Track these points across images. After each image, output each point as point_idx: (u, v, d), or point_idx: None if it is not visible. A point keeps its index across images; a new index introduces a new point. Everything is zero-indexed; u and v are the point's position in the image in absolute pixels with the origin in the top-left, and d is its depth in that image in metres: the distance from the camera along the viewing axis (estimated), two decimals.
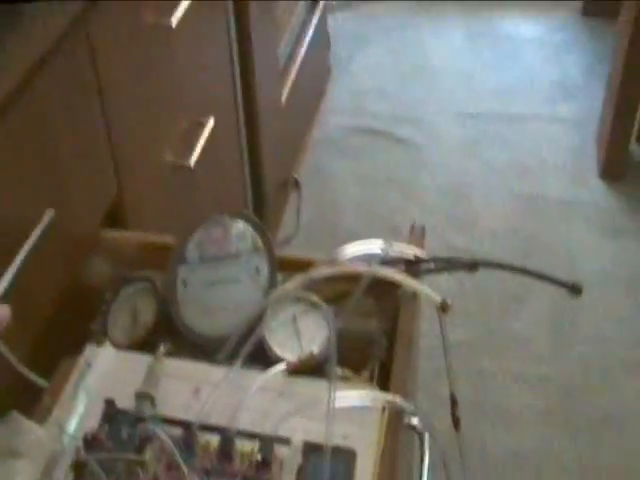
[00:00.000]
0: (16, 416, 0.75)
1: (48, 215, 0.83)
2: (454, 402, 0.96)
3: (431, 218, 2.01)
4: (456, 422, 0.97)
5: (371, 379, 0.86)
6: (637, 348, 1.73)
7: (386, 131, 2.30)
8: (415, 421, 0.89)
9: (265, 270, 0.91)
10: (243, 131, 1.64)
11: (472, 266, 0.93)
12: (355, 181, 2.12)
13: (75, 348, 0.87)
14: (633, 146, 2.17)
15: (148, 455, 0.72)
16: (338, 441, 0.76)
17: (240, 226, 0.92)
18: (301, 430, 0.77)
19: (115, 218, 1.06)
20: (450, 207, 2.07)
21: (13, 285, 0.78)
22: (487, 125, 2.32)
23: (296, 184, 2.07)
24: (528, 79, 2.51)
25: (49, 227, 0.84)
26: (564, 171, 2.16)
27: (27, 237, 0.81)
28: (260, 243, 0.92)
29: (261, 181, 1.78)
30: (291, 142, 2.13)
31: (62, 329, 0.90)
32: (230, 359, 0.84)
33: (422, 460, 0.86)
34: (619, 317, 1.79)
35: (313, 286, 0.91)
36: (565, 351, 1.72)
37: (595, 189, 2.10)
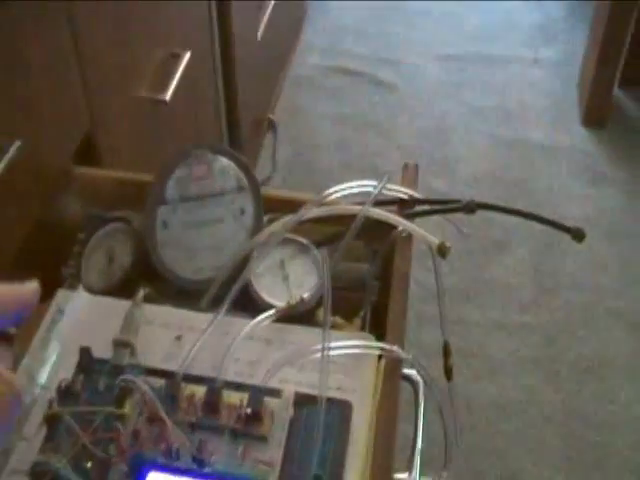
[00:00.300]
0: None
1: (15, 147, 0.76)
2: (447, 351, 0.91)
3: (410, 162, 1.95)
4: (449, 372, 0.92)
5: (363, 327, 0.81)
6: (620, 296, 1.70)
7: (365, 72, 2.23)
8: (410, 370, 0.85)
9: (250, 210, 0.85)
10: (219, 67, 1.57)
11: (470, 208, 0.88)
12: (333, 122, 2.05)
13: (46, 294, 0.80)
14: (616, 92, 2.12)
15: (128, 407, 0.66)
16: (332, 393, 0.71)
17: (224, 163, 0.86)
18: (292, 381, 0.72)
19: (88, 156, 0.99)
20: (430, 151, 2.01)
21: None
22: (468, 67, 2.26)
23: (272, 125, 1.99)
24: (509, 21, 2.44)
25: (16, 160, 0.77)
26: (546, 116, 2.11)
27: None
28: (245, 182, 0.86)
29: (237, 121, 1.71)
30: (267, 81, 2.05)
31: (32, 273, 0.84)
32: (214, 305, 0.78)
33: (417, 411, 0.82)
34: (603, 265, 1.76)
35: (301, 229, 0.85)
36: (548, 299, 1.69)
37: (577, 135, 2.06)
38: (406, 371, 0.85)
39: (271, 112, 2.02)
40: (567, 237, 1.84)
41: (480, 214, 1.89)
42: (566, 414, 1.50)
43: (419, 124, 2.08)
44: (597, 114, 2.08)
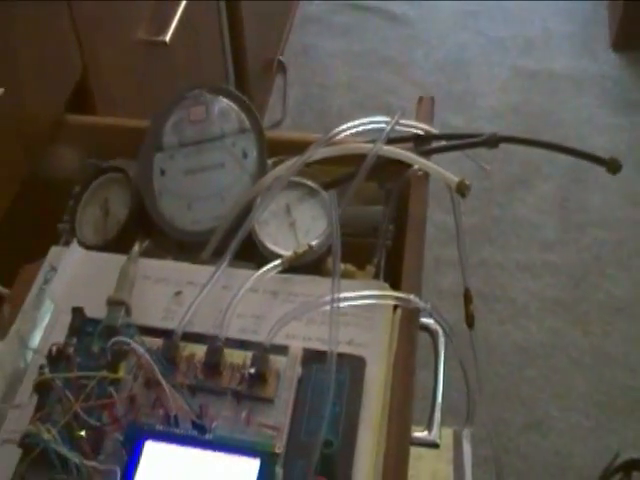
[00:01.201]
0: None
1: None
2: (468, 297, 0.86)
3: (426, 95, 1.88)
4: (470, 319, 0.87)
5: (377, 275, 0.76)
6: None
7: (376, 7, 2.13)
8: (428, 320, 0.80)
9: (253, 153, 0.79)
10: (223, 6, 1.49)
11: (492, 142, 0.81)
12: (345, 61, 1.97)
13: (39, 252, 0.75)
14: None
15: (122, 371, 0.62)
16: (343, 348, 0.66)
17: (223, 104, 0.80)
18: (300, 336, 0.67)
19: (82, 105, 0.93)
20: (447, 85, 1.92)
21: None
22: None
23: (281, 66, 1.92)
24: None
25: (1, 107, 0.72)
26: (571, 43, 2.01)
27: None
28: (247, 123, 0.80)
29: (244, 64, 1.64)
30: (275, 20, 1.97)
31: (25, 230, 0.79)
32: (216, 257, 0.73)
33: (436, 363, 0.77)
34: (634, 199, 1.68)
35: (308, 171, 0.80)
36: (575, 237, 1.62)
37: (606, 61, 1.95)
38: (424, 320, 0.80)
39: (280, 53, 1.94)
40: (594, 172, 1.77)
41: (501, 149, 1.81)
42: (595, 357, 1.44)
43: (435, 58, 1.99)
44: (629, 35, 1.96)
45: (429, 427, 0.71)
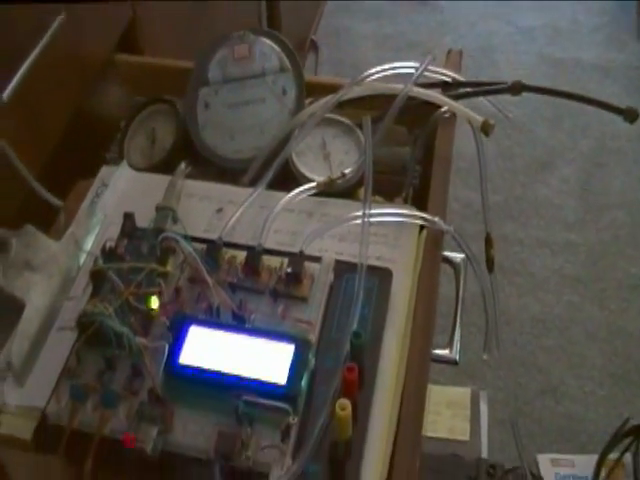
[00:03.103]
0: (30, 229, 0.70)
1: (58, 20, 0.76)
2: (489, 241, 0.90)
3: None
4: (490, 263, 0.91)
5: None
6: None
7: None
8: (450, 254, 0.85)
9: (292, 91, 0.84)
10: None
11: (516, 89, 0.86)
12: (375, 44, 2.02)
13: (91, 173, 0.81)
14: None
15: (170, 266, 0.67)
16: (372, 262, 0.70)
17: (266, 44, 0.85)
18: (333, 251, 0.72)
19: (130, 46, 0.98)
20: (475, 72, 1.96)
21: (24, 90, 0.72)
22: None
23: (314, 46, 1.97)
24: None
25: (59, 36, 0.77)
26: (599, 34, 2.05)
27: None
28: (287, 63, 0.85)
29: None
30: (309, 2, 2.02)
31: (77, 157, 0.85)
32: (254, 184, 0.78)
33: (457, 289, 0.81)
34: None
35: (343, 114, 0.85)
36: (595, 218, 1.66)
37: (634, 52, 1.99)
38: (447, 254, 0.85)
39: (313, 33, 2.00)
40: (616, 157, 1.81)
41: (526, 135, 1.86)
42: (610, 332, 1.48)
43: (463, 44, 2.02)
44: None
45: (450, 346, 0.75)
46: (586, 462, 1.27)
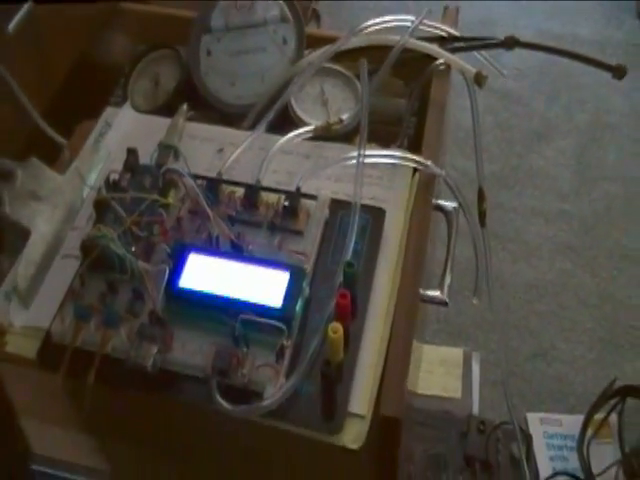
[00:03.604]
0: (35, 161, 0.72)
1: None
2: (482, 195, 0.92)
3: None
4: (482, 217, 0.93)
5: None
6: None
7: None
8: (443, 202, 0.87)
9: (293, 41, 0.87)
10: None
11: (510, 44, 0.89)
12: (376, 13, 2.02)
13: (94, 115, 0.83)
14: None
15: (171, 197, 0.69)
16: (366, 202, 0.73)
17: None
18: (328, 190, 0.74)
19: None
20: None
21: (29, 26, 0.74)
22: None
23: (315, 15, 1.99)
24: None
25: None
26: (598, 9, 2.06)
27: None
28: (288, 14, 0.88)
29: None
30: None
31: (81, 100, 0.87)
32: (254, 128, 0.80)
33: (449, 235, 0.84)
34: None
35: (340, 64, 0.87)
36: (589, 189, 1.69)
37: (631, 29, 2.01)
38: (440, 202, 0.87)
39: (315, 3, 2.02)
40: (610, 131, 1.83)
41: (523, 106, 1.87)
42: (601, 298, 1.51)
43: (462, 17, 2.05)
44: None
45: (441, 287, 0.77)
46: (574, 422, 1.29)
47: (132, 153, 0.73)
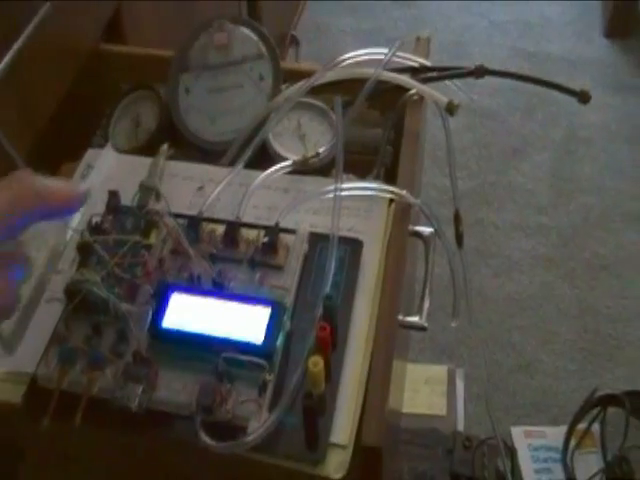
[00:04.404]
0: None
1: (44, 8, 0.80)
2: (458, 218, 0.95)
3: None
4: (459, 238, 0.96)
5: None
6: (637, 200, 1.73)
7: None
8: (420, 228, 0.89)
9: (269, 77, 0.89)
10: None
11: (479, 73, 0.91)
12: (354, 39, 2.07)
13: (76, 158, 0.85)
14: None
15: (153, 238, 0.71)
16: (344, 233, 0.75)
17: (244, 32, 0.90)
18: (307, 223, 0.76)
19: (114, 34, 1.02)
20: (450, 63, 2.02)
21: (12, 74, 0.76)
22: None
23: (294, 41, 2.02)
24: None
25: (46, 23, 0.81)
26: (568, 28, 2.11)
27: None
28: (264, 50, 0.90)
29: None
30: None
31: (63, 142, 0.89)
32: (234, 164, 0.83)
33: (427, 260, 0.86)
34: (620, 170, 1.78)
35: (317, 97, 0.89)
36: (566, 202, 1.72)
37: (600, 47, 2.06)
38: (417, 228, 0.89)
39: (293, 28, 2.05)
40: (585, 145, 1.87)
41: (500, 123, 1.91)
42: (581, 309, 1.54)
43: (440, 38, 2.09)
44: (621, 24, 2.08)
45: (419, 312, 0.80)
46: (557, 433, 1.32)
47: (114, 195, 0.75)
